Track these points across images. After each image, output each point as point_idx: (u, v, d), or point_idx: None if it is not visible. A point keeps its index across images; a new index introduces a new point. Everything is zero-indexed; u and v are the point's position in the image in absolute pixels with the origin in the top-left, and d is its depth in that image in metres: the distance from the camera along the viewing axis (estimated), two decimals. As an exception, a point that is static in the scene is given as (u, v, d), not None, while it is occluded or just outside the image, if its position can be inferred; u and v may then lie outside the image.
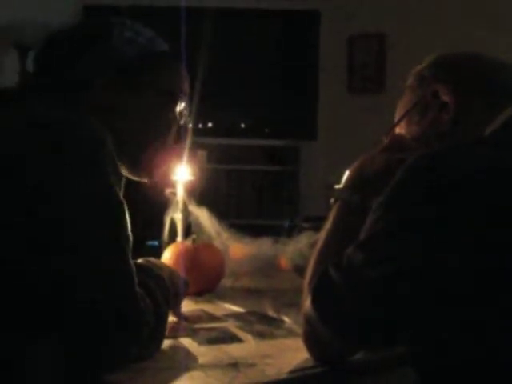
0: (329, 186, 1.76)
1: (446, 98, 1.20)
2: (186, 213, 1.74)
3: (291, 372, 1.10)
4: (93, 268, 0.96)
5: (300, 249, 1.67)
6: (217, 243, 1.75)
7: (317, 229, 1.74)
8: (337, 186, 1.27)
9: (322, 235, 1.23)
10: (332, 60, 4.27)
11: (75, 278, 0.95)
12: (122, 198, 1.01)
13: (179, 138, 1.24)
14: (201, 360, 1.14)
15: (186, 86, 1.22)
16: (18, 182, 0.93)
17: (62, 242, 0.94)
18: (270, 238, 1.73)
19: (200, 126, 4.30)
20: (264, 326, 1.37)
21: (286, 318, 1.43)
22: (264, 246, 1.72)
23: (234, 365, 1.11)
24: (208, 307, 1.51)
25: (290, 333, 1.33)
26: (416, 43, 3.94)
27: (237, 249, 1.85)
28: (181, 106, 1.21)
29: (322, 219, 1.89)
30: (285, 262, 1.87)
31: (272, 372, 1.09)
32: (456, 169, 1.02)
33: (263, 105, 4.44)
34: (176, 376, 1.06)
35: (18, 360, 0.97)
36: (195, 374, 1.07)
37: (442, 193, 1.00)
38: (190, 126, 1.32)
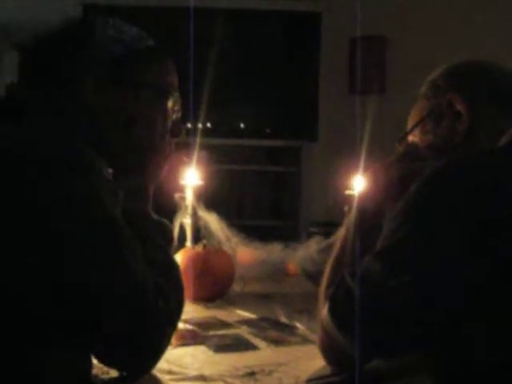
0: (329, 208, 1.77)
1: (459, 107, 1.20)
2: (196, 217, 1.74)
3: (309, 381, 1.09)
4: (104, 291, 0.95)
5: (310, 254, 1.67)
6: (226, 248, 1.75)
7: (325, 234, 1.75)
8: (349, 192, 1.27)
9: (337, 243, 1.23)
10: (333, 61, 4.27)
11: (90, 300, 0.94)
12: (114, 213, 0.99)
13: (174, 134, 1.22)
14: (217, 368, 1.14)
15: (175, 81, 1.20)
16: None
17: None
18: (280, 243, 1.72)
19: (200, 126, 4.29)
20: (278, 332, 1.37)
21: (298, 325, 1.43)
22: (273, 250, 1.71)
23: (251, 374, 1.11)
24: (220, 313, 1.51)
25: (305, 340, 1.33)
26: (416, 46, 3.95)
27: (245, 253, 1.85)
28: (172, 101, 1.19)
29: (330, 224, 1.90)
30: (293, 267, 1.87)
31: (290, 381, 1.09)
32: (472, 180, 1.02)
33: (264, 105, 4.43)
34: (194, 386, 1.06)
35: (36, 373, 0.96)
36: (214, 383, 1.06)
37: (459, 204, 1.01)
38: (191, 124, 1.31)
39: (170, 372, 1.10)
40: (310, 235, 1.81)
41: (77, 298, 0.93)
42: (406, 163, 1.26)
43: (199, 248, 1.66)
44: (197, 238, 1.74)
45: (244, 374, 1.11)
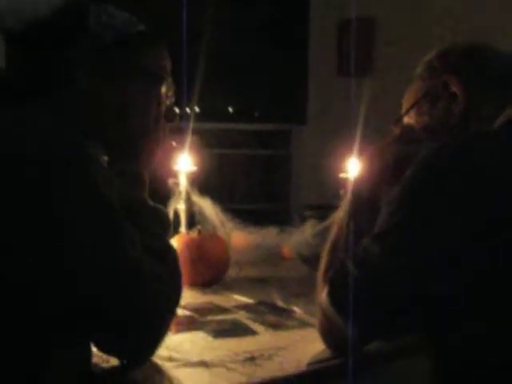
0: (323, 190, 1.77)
1: (455, 89, 1.21)
2: (190, 203, 1.74)
3: (309, 364, 1.10)
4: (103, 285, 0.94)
5: (305, 238, 1.67)
6: (220, 233, 1.74)
7: (320, 217, 1.75)
8: (343, 175, 1.27)
9: (334, 226, 1.23)
10: (322, 44, 4.26)
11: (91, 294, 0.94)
12: (111, 201, 0.97)
13: (168, 119, 1.21)
14: (217, 354, 1.14)
15: (168, 66, 1.19)
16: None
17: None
18: (275, 228, 1.72)
19: (188, 110, 4.27)
20: (275, 316, 1.37)
21: (295, 308, 1.43)
22: (268, 235, 1.71)
23: (251, 359, 1.11)
24: (216, 299, 1.51)
25: (302, 323, 1.33)
26: (405, 28, 3.94)
27: (239, 238, 1.85)
28: (166, 87, 1.18)
29: (324, 208, 1.90)
30: (288, 251, 1.87)
31: (290, 365, 1.09)
32: (468, 163, 1.02)
33: (252, 89, 4.42)
34: (196, 372, 1.06)
35: (35, 362, 0.96)
36: (215, 370, 1.06)
37: (455, 186, 1.01)
38: (181, 109, 1.30)
39: (170, 359, 1.10)
40: (304, 219, 1.80)
41: (76, 286, 0.92)
42: (401, 145, 1.26)
43: (194, 234, 1.66)
44: (191, 224, 1.73)
45: (244, 358, 1.11)
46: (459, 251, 0.98)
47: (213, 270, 1.62)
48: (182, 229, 1.72)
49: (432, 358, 1.09)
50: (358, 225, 1.22)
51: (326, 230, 1.61)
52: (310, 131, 4.26)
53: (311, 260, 1.73)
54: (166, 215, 1.18)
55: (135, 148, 1.16)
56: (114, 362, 1.06)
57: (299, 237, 1.67)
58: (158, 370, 1.05)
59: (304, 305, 1.45)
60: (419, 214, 1.03)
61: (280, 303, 1.48)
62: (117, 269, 0.95)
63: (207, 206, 1.74)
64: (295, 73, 4.35)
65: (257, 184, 4.41)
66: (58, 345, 0.97)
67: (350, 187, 1.27)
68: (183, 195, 1.74)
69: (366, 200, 1.24)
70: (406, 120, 1.31)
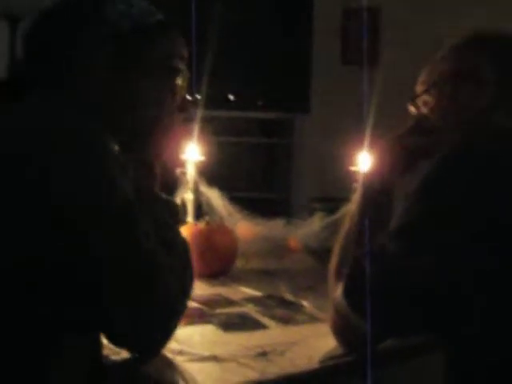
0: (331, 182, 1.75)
1: (487, 76, 1.15)
2: (197, 193, 1.72)
3: (322, 361, 1.09)
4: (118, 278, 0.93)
5: (313, 231, 1.65)
6: (228, 224, 1.73)
7: (328, 210, 1.73)
8: (355, 169, 1.25)
9: (346, 220, 1.22)
10: (326, 32, 4.23)
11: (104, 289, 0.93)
12: (126, 193, 0.96)
13: (181, 110, 1.19)
14: (228, 348, 1.13)
15: (184, 56, 1.17)
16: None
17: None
18: (282, 219, 1.71)
19: (189, 98, 4.24)
20: (284, 310, 1.36)
21: (304, 302, 1.42)
22: (275, 227, 1.70)
23: (263, 354, 1.11)
24: (224, 291, 1.50)
25: (312, 318, 1.32)
26: (410, 17, 3.91)
27: (244, 228, 1.84)
28: (181, 77, 1.16)
29: (332, 200, 1.88)
30: (295, 243, 1.86)
31: (302, 361, 1.08)
32: (491, 160, 1.01)
33: (256, 77, 4.39)
34: (207, 367, 1.05)
35: (45, 356, 0.95)
36: (227, 364, 1.05)
37: (476, 183, 1.00)
38: (198, 96, 1.28)
39: (181, 352, 1.09)
40: (311, 211, 1.79)
41: (88, 278, 0.91)
42: (415, 137, 1.23)
43: (202, 224, 1.64)
44: (198, 214, 1.72)
45: (256, 354, 1.10)
46: (473, 249, 0.97)
47: (221, 262, 1.61)
48: (190, 219, 1.71)
49: (447, 356, 1.08)
50: (371, 218, 1.20)
51: (335, 223, 1.60)
52: (314, 120, 4.24)
53: (319, 253, 1.72)
54: (177, 207, 1.17)
55: (148, 138, 1.14)
56: (124, 354, 1.05)
57: (307, 229, 1.65)
58: (170, 364, 1.04)
59: (313, 299, 1.44)
60: (437, 211, 1.01)
61: (288, 297, 1.47)
62: (131, 260, 0.94)
63: (215, 197, 1.73)
64: (299, 61, 4.32)
65: (259, 173, 4.39)
66: (68, 337, 0.96)
67: (361, 180, 1.25)
68: (191, 185, 1.72)
69: (378, 193, 1.22)
70: (421, 107, 1.28)
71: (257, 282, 1.58)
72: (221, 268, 1.61)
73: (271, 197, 4.25)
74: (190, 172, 1.72)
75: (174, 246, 1.06)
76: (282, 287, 1.53)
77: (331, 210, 1.73)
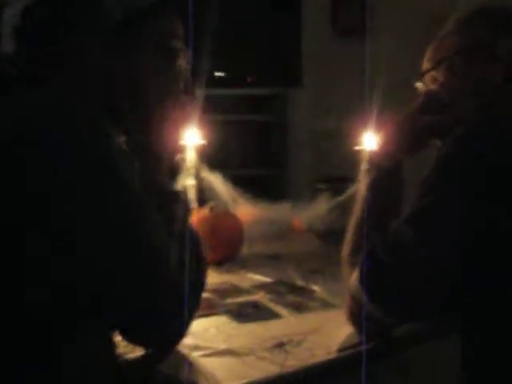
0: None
1: (502, 52, 1.12)
2: (199, 178, 1.69)
3: (340, 350, 1.07)
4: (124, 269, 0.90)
5: (319, 213, 1.63)
6: (232, 209, 1.70)
7: (333, 191, 1.71)
8: (367, 150, 1.22)
9: (357, 204, 1.19)
10: (316, 4, 4.17)
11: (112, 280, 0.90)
12: (135, 188, 0.93)
13: (186, 93, 1.16)
14: (244, 341, 1.11)
15: (181, 33, 1.13)
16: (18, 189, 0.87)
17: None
18: (288, 202, 1.68)
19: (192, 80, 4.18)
20: (296, 297, 1.34)
21: (315, 287, 1.40)
22: (282, 210, 1.67)
23: (280, 345, 1.09)
24: (233, 278, 1.48)
25: (325, 304, 1.30)
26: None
27: (245, 212, 1.81)
28: (182, 59, 1.12)
29: (337, 180, 1.86)
30: (299, 224, 1.83)
31: (321, 351, 1.07)
32: (506, 144, 0.98)
33: (245, 53, 4.33)
34: (225, 362, 1.03)
35: (59, 355, 0.92)
36: (245, 358, 1.04)
37: (492, 167, 0.97)
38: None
39: (197, 347, 1.07)
40: (316, 192, 1.76)
41: (100, 275, 0.88)
42: (425, 115, 1.20)
43: (206, 211, 1.62)
44: (201, 201, 1.69)
45: (272, 345, 1.09)
46: (492, 235, 0.95)
47: (227, 248, 1.59)
48: (193, 206, 1.67)
49: (463, 341, 1.07)
50: (382, 202, 1.18)
51: (341, 205, 1.58)
52: (307, 94, 4.19)
53: (326, 235, 1.70)
54: (186, 198, 1.14)
55: (151, 124, 1.10)
56: (139, 351, 1.03)
57: (313, 211, 1.63)
58: (187, 361, 1.02)
59: (323, 283, 1.42)
60: (453, 197, 0.99)
61: (299, 282, 1.45)
62: (141, 257, 0.91)
63: (217, 182, 1.70)
64: (289, 34, 4.26)
65: (253, 150, 4.36)
66: (80, 336, 0.93)
67: (370, 161, 1.22)
68: (192, 171, 1.69)
69: (389, 174, 1.19)
70: (428, 83, 1.25)
71: (264, 267, 1.56)
72: (227, 254, 1.59)
73: (266, 174, 4.22)
74: (191, 157, 1.69)
75: (185, 240, 1.04)
76: (291, 272, 1.52)
77: (336, 191, 1.71)
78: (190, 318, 1.01)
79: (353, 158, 1.60)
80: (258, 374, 0.98)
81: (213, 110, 4.17)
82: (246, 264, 1.59)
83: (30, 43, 1.00)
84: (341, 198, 1.57)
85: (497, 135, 0.99)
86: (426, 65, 1.24)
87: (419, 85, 1.25)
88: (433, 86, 1.22)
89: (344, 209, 1.59)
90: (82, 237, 0.86)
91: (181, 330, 1.00)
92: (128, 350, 1.04)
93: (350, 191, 1.57)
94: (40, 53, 0.99)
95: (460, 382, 1.06)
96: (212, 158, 1.68)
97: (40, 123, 0.88)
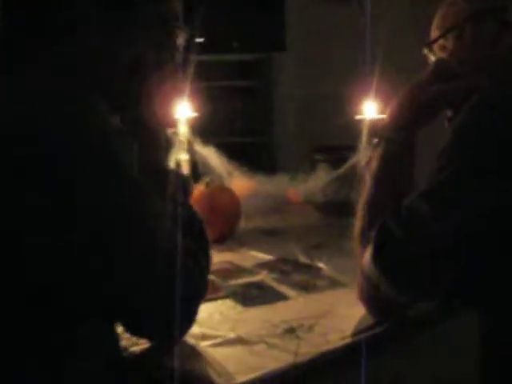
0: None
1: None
2: (192, 153, 1.62)
3: (355, 335, 1.02)
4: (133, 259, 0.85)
5: (319, 185, 1.57)
6: (227, 183, 1.64)
7: (331, 161, 1.65)
8: (380, 124, 1.16)
9: (368, 180, 1.13)
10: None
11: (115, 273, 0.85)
12: (135, 174, 0.88)
13: (182, 68, 1.10)
14: (252, 326, 1.05)
15: (178, 13, 1.07)
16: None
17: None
18: (286, 175, 1.62)
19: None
20: (302, 275, 1.29)
21: (321, 264, 1.35)
22: (280, 183, 1.61)
23: (291, 330, 1.03)
24: (234, 257, 1.42)
25: (333, 283, 1.25)
26: None
27: (239, 185, 1.74)
28: (179, 36, 1.07)
29: (334, 149, 1.80)
30: (294, 195, 1.77)
31: (335, 336, 1.01)
32: None
33: (227, 18, 4.23)
34: (235, 352, 0.97)
35: (61, 350, 0.86)
36: (255, 347, 0.98)
37: (503, 140, 0.92)
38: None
39: (203, 337, 1.01)
40: (314, 163, 1.70)
41: (102, 267, 0.83)
42: (437, 84, 1.14)
43: (202, 187, 1.55)
44: (195, 176, 1.62)
45: (283, 331, 1.03)
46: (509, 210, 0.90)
47: (226, 225, 1.53)
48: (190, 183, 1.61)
49: (480, 319, 1.02)
50: (394, 176, 1.12)
51: (341, 177, 1.52)
52: (291, 58, 4.11)
53: (325, 207, 1.65)
54: (187, 180, 1.08)
55: (150, 106, 1.04)
56: (143, 344, 0.98)
57: (312, 184, 1.57)
58: (195, 353, 0.96)
59: (327, 259, 1.37)
60: (471, 170, 0.93)
61: (302, 258, 1.39)
62: (144, 247, 0.86)
63: (211, 155, 1.63)
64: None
65: (238, 117, 4.28)
66: (83, 330, 0.88)
67: (379, 134, 1.16)
68: (185, 145, 1.62)
69: (400, 147, 1.13)
70: (438, 51, 1.19)
71: (264, 244, 1.51)
72: (226, 231, 1.53)
73: (253, 141, 4.15)
74: (183, 130, 1.62)
75: (189, 225, 0.98)
76: (292, 247, 1.46)
77: (334, 161, 1.65)
78: (196, 306, 0.95)
79: (345, 126, 1.54)
80: (270, 364, 0.93)
81: (197, 77, 4.08)
82: (245, 241, 1.53)
83: (18, 16, 0.93)
84: (341, 170, 1.51)
85: (509, 107, 0.93)
86: (434, 33, 1.18)
87: (428, 54, 1.19)
88: (442, 55, 1.16)
89: (344, 181, 1.54)
90: (83, 227, 0.81)
91: (186, 320, 0.95)
92: (132, 343, 0.98)
93: (349, 162, 1.51)
94: (27, 33, 0.92)
95: (478, 358, 1.02)
96: (197, 127, 1.61)
97: (35, 116, 0.82)
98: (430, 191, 0.97)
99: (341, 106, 1.76)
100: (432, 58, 1.17)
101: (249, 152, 3.68)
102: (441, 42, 1.15)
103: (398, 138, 1.13)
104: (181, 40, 1.07)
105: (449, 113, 1.13)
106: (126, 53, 0.96)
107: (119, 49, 0.96)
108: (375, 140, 1.15)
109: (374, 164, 1.14)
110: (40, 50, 0.90)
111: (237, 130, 4.23)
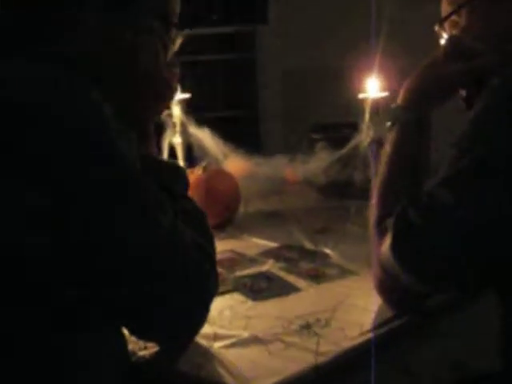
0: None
1: None
2: (186, 135, 1.55)
3: (375, 328, 0.97)
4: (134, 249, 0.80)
5: (321, 167, 1.51)
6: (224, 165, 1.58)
7: (329, 140, 1.59)
8: (393, 106, 1.10)
9: (382, 166, 1.08)
10: None
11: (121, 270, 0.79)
12: (136, 166, 0.83)
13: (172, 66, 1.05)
14: (266, 324, 1.00)
15: (177, 8, 1.02)
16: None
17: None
18: (285, 156, 1.55)
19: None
20: (309, 263, 1.24)
21: (327, 250, 1.30)
22: (279, 164, 1.55)
23: (307, 326, 0.98)
24: (236, 245, 1.36)
25: (342, 271, 1.20)
26: None
27: (234, 166, 1.68)
28: (174, 31, 1.02)
29: (331, 127, 1.74)
30: (292, 174, 1.71)
31: (354, 331, 0.96)
32: None
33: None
34: (251, 353, 0.92)
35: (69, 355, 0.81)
36: (272, 347, 0.93)
37: None
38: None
39: (216, 337, 0.96)
40: (311, 142, 1.64)
41: (109, 267, 0.78)
42: (451, 62, 1.08)
43: (199, 171, 1.48)
44: (190, 159, 1.56)
45: (299, 327, 0.98)
46: None
47: (225, 210, 1.47)
48: (180, 164, 1.54)
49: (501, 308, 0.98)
50: (409, 159, 1.07)
51: (342, 158, 1.47)
52: (274, 31, 4.03)
53: (326, 189, 1.60)
54: (185, 173, 1.03)
55: (141, 96, 0.99)
56: (152, 347, 0.92)
57: (314, 165, 1.51)
58: (208, 357, 0.90)
59: (334, 245, 1.32)
60: (494, 156, 0.89)
61: (307, 244, 1.34)
62: (151, 243, 0.81)
63: (206, 137, 1.56)
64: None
65: (221, 91, 4.20)
66: (85, 331, 0.82)
67: (393, 116, 1.10)
68: (178, 127, 1.55)
69: (415, 129, 1.08)
70: (450, 28, 1.13)
71: (266, 229, 1.46)
72: (226, 216, 1.47)
73: (237, 114, 4.08)
74: (176, 112, 1.55)
75: (189, 219, 0.92)
76: (295, 232, 1.41)
77: (332, 140, 1.60)
78: (208, 306, 0.90)
79: (344, 104, 1.49)
80: (289, 366, 0.87)
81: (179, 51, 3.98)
82: (246, 226, 1.48)
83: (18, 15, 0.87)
84: (343, 150, 1.45)
85: None
86: (445, 8, 1.12)
87: (440, 31, 1.13)
88: (454, 32, 1.10)
89: (346, 162, 1.48)
90: (83, 224, 0.76)
91: (197, 320, 0.89)
92: (139, 347, 0.92)
93: (352, 142, 1.45)
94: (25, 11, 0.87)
95: (500, 346, 0.99)
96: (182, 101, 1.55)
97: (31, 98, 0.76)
98: (451, 178, 0.93)
99: (334, 83, 1.70)
100: (444, 36, 1.10)
101: (232, 127, 3.62)
102: (453, 17, 1.09)
103: (411, 119, 1.08)
104: (178, 41, 1.03)
105: (463, 92, 1.07)
106: (126, 52, 0.93)
107: (117, 36, 0.91)
108: (388, 123, 1.09)
109: (388, 148, 1.08)
110: (40, 48, 0.84)
111: (220, 104, 4.16)
